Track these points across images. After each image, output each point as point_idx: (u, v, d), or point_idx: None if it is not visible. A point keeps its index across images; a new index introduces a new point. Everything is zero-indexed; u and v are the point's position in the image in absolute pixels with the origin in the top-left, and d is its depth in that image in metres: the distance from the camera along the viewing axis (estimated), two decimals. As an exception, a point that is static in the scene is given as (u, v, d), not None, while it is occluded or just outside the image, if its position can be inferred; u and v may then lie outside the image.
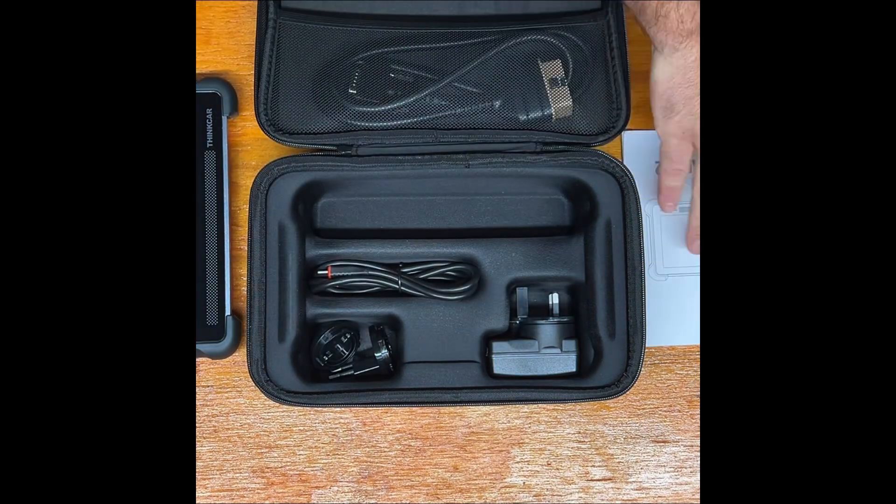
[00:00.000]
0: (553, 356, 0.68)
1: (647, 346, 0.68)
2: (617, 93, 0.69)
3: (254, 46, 0.69)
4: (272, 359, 0.67)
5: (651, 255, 0.72)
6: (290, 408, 0.70)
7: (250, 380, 0.66)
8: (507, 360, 0.68)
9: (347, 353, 0.69)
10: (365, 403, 0.67)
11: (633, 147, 0.73)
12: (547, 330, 0.68)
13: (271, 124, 0.68)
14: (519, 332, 0.69)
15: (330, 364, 0.69)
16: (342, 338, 0.69)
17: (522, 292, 0.69)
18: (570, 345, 0.68)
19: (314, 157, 0.68)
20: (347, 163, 0.68)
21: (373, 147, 0.68)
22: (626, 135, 0.72)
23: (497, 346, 0.68)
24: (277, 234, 0.68)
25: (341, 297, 0.69)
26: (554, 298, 0.70)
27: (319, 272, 0.69)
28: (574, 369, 0.68)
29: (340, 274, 0.69)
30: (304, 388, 0.67)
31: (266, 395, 0.66)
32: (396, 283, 0.68)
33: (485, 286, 0.69)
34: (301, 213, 0.69)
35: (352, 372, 0.69)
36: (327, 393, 0.67)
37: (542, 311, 0.70)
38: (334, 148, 0.68)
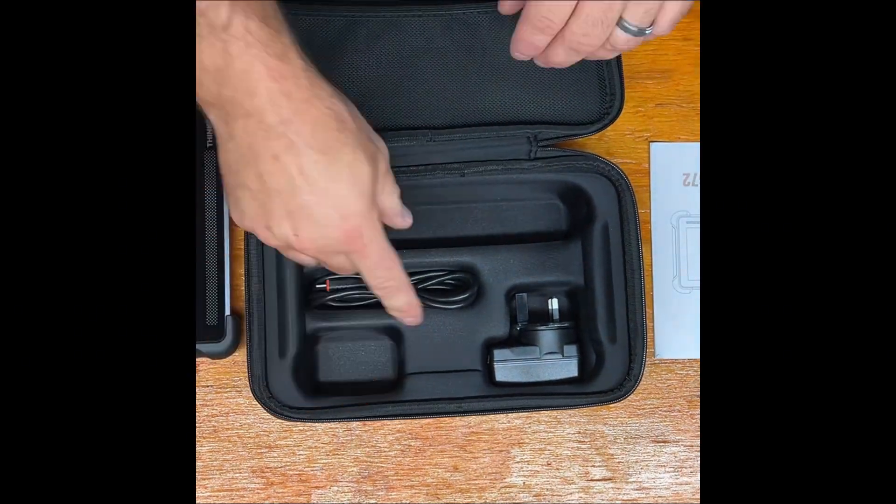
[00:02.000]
0: (555, 362, 0.68)
1: (670, 357, 0.69)
2: (609, 77, 0.67)
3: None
4: (273, 375, 0.66)
5: (675, 266, 0.71)
6: (290, 408, 0.70)
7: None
8: (508, 368, 0.68)
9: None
10: (368, 417, 0.66)
11: (661, 159, 0.72)
12: (547, 336, 0.68)
13: None
14: (520, 338, 0.69)
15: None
16: None
17: (522, 298, 0.69)
18: (572, 350, 0.68)
19: None
20: None
21: None
22: (653, 146, 0.72)
23: (498, 353, 0.68)
24: (274, 249, 0.67)
25: (341, 310, 0.69)
26: (553, 304, 0.70)
27: (318, 286, 0.69)
28: (576, 374, 0.68)
29: (339, 287, 0.69)
30: (306, 403, 0.67)
31: (268, 412, 0.66)
32: None
33: (484, 294, 0.69)
34: None
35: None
36: (330, 408, 0.67)
37: (543, 316, 0.70)
38: None
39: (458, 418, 0.70)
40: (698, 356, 0.70)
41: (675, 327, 0.71)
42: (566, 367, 0.68)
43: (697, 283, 0.71)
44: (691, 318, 0.71)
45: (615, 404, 0.70)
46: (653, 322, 0.71)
